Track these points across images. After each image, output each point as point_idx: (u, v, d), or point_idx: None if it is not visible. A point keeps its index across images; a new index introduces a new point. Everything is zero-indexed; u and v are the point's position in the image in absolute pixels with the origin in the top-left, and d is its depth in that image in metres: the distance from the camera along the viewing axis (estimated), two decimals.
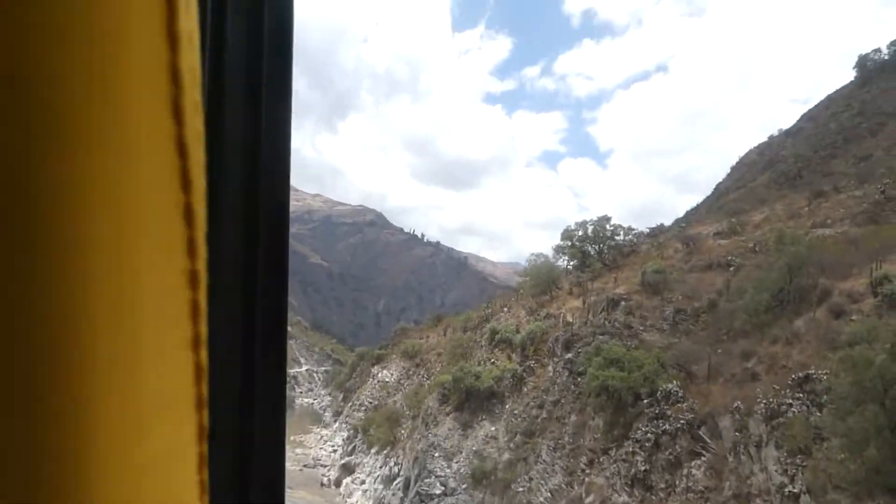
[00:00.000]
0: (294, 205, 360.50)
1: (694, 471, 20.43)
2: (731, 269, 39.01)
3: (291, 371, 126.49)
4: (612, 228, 51.01)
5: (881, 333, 15.04)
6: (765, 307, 26.52)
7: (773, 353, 23.86)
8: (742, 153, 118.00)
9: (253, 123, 1.29)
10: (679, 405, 23.23)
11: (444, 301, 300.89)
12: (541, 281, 49.16)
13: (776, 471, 17.89)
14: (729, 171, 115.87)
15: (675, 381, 24.34)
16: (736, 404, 20.20)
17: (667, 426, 22.37)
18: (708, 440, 20.99)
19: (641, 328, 36.41)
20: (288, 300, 1.41)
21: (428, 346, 66.56)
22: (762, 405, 19.23)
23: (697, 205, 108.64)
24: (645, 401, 24.41)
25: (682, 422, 22.04)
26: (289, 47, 1.36)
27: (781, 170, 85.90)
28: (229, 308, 1.26)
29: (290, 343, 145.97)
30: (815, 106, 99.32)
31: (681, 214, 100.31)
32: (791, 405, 18.72)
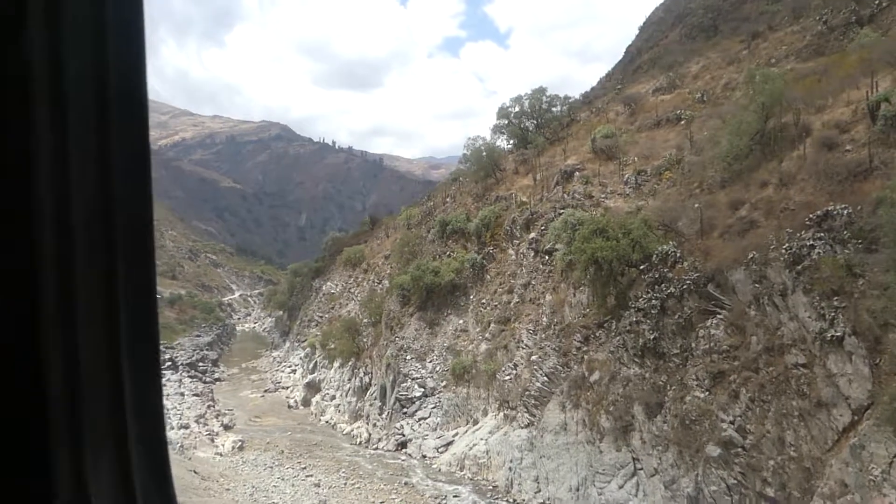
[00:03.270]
0: (193, 130, 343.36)
1: (713, 330, 19.23)
2: (682, 122, 37.64)
3: (225, 299, 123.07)
4: (548, 100, 48.72)
5: None
6: (746, 152, 25.10)
7: (766, 197, 22.55)
8: (640, 15, 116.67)
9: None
10: (680, 265, 21.86)
11: (366, 205, 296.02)
12: (483, 165, 46.81)
13: (810, 317, 16.73)
14: (637, 32, 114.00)
15: (671, 242, 22.88)
16: (750, 255, 18.84)
17: (672, 289, 21.01)
18: (721, 297, 19.74)
19: (603, 196, 34.93)
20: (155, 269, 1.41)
21: (371, 250, 64.23)
22: (783, 251, 17.90)
23: (610, 71, 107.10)
24: (642, 266, 22.94)
25: (687, 282, 20.68)
26: None
27: (693, 23, 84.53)
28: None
29: (219, 271, 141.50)
30: None
31: (590, 86, 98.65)
32: (813, 246, 17.42)
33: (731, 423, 17.38)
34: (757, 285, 18.50)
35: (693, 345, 19.86)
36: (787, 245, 18.00)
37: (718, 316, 19.56)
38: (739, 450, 16.93)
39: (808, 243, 17.67)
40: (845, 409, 15.41)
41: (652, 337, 21.17)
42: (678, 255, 22.21)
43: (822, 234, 17.66)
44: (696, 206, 25.90)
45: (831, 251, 17.30)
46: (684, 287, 20.78)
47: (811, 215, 18.19)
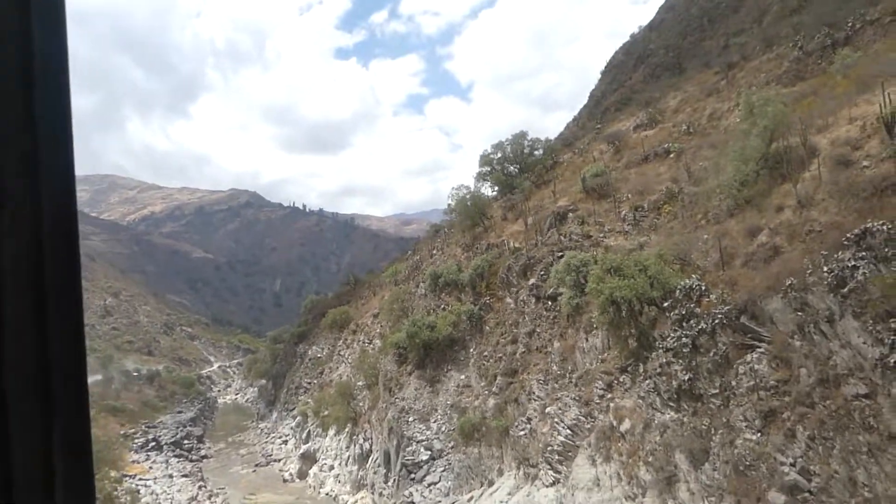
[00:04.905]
0: (162, 203, 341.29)
1: (756, 366, 17.91)
2: (672, 155, 37.07)
3: (204, 372, 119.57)
4: (529, 143, 48.16)
5: None
6: (754, 178, 24.31)
7: (785, 221, 21.62)
8: (597, 61, 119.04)
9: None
10: (707, 299, 20.65)
11: (341, 266, 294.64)
12: (469, 214, 45.81)
13: (865, 343, 15.53)
14: (600, 76, 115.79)
15: (693, 276, 21.72)
16: (788, 282, 17.69)
17: (702, 325, 19.74)
18: (758, 329, 18.52)
19: (601, 235, 33.95)
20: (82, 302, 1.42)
21: (357, 310, 62.46)
22: (824, 275, 16.79)
23: (577, 115, 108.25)
24: (665, 304, 21.69)
25: (718, 316, 19.44)
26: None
27: (656, 62, 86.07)
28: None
29: (196, 343, 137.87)
30: None
31: (556, 132, 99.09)
32: (857, 267, 16.33)
33: (793, 465, 15.93)
34: (799, 313, 17.29)
35: (734, 383, 18.50)
36: (826, 268, 16.89)
37: (759, 350, 18.27)
38: (807, 494, 15.43)
39: (849, 264, 16.57)
40: None
41: (686, 378, 19.79)
42: (703, 288, 21.02)
43: (863, 254, 16.60)
44: (706, 236, 24.99)
45: (876, 270, 16.22)
46: (716, 322, 19.53)
47: (849, 234, 17.15)
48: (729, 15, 74.95)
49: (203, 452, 60.46)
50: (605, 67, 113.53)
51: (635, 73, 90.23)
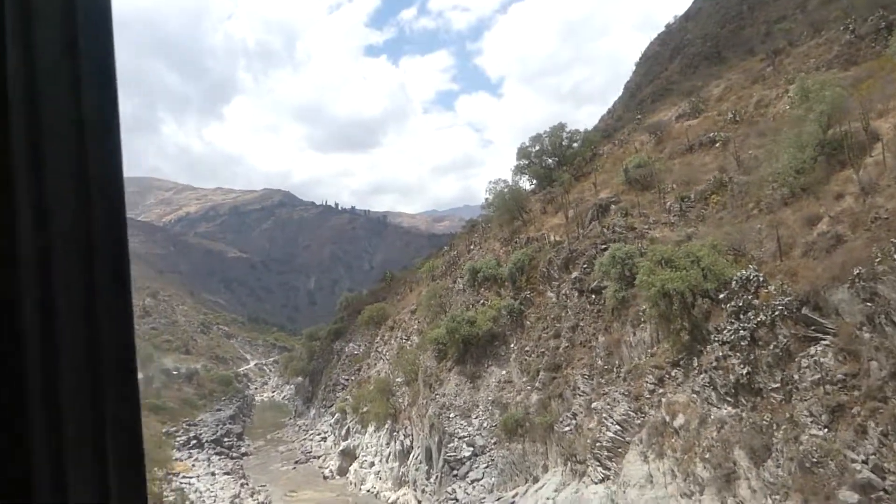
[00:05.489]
0: (197, 204, 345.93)
1: (821, 358, 17.12)
2: (718, 144, 36.04)
3: (241, 369, 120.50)
4: (568, 135, 47.37)
5: None
6: (811, 165, 23.39)
7: (847, 209, 20.73)
8: (629, 54, 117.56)
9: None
10: (765, 290, 19.86)
11: (373, 264, 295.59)
12: (508, 207, 45.16)
13: None
14: (634, 68, 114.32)
15: (751, 266, 20.93)
16: (856, 271, 16.87)
17: (761, 317, 18.98)
18: (821, 321, 17.71)
19: (646, 227, 33.11)
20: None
21: (393, 306, 62.27)
22: (895, 263, 15.95)
23: (612, 107, 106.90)
24: (720, 295, 20.96)
25: (778, 308, 18.66)
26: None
27: (693, 52, 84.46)
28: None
29: (232, 342, 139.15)
30: None
31: (591, 126, 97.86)
32: None
33: (865, 462, 15.14)
34: (868, 304, 16.46)
35: (796, 377, 17.71)
36: None
37: (823, 342, 17.46)
38: (881, 493, 14.65)
39: None
40: None
41: (744, 372, 19.03)
42: (760, 279, 20.22)
43: None
44: (760, 226, 24.12)
45: None
46: (775, 313, 18.74)
47: None
48: (769, 2, 73.16)
49: (243, 450, 60.81)
50: (640, 59, 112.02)
51: (672, 64, 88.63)
